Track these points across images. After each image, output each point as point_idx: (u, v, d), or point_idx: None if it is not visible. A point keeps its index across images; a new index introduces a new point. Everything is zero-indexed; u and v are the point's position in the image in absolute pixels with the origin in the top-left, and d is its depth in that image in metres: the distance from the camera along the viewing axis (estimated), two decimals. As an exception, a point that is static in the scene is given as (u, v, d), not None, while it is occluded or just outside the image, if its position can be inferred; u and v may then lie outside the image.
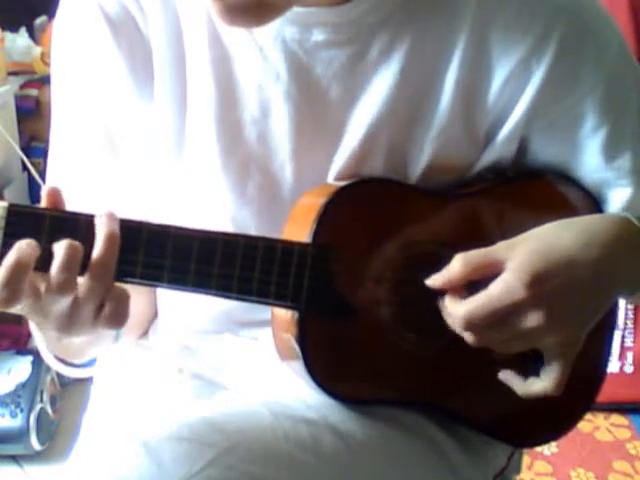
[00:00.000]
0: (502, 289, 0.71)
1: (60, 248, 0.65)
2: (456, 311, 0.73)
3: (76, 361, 0.80)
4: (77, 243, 0.65)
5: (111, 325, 0.68)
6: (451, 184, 0.81)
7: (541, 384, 0.74)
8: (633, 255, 0.77)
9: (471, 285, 0.73)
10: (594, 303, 0.75)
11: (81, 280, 0.66)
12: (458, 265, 0.73)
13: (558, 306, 0.71)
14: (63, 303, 0.65)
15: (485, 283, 0.72)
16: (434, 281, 0.74)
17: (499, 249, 0.73)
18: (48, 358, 0.80)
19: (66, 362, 0.80)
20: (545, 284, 0.71)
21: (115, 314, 0.68)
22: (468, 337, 0.73)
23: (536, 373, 0.75)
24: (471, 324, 0.72)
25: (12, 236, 0.65)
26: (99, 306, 0.67)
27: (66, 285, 0.65)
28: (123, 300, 0.68)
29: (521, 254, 0.72)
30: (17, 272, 0.63)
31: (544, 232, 0.75)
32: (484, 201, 0.81)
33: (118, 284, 0.68)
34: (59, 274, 0.64)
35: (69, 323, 0.67)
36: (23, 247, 0.64)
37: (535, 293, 0.70)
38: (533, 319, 0.71)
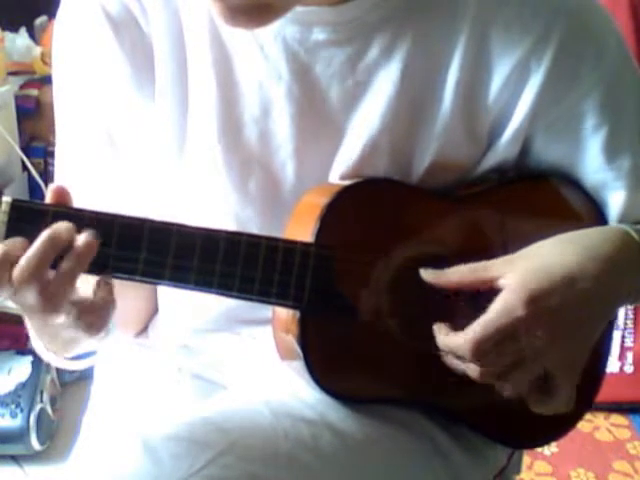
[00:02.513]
0: (502, 308, 0.71)
1: (39, 238, 0.65)
2: (459, 343, 0.71)
3: (65, 355, 0.79)
4: (60, 235, 0.65)
5: (87, 333, 0.68)
6: (454, 185, 0.81)
7: (551, 405, 0.74)
8: (633, 267, 0.77)
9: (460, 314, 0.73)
10: (596, 317, 0.75)
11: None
12: (455, 273, 0.74)
13: (560, 323, 0.71)
14: (34, 290, 0.65)
15: (479, 298, 0.72)
16: (427, 274, 0.75)
17: (496, 264, 0.73)
18: (42, 351, 0.80)
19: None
20: (545, 302, 0.71)
21: (92, 323, 0.68)
22: (470, 369, 0.72)
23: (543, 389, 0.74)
24: (480, 352, 0.70)
25: (15, 231, 0.65)
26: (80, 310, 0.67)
27: (33, 272, 0.64)
28: (105, 308, 0.69)
29: (520, 272, 0.72)
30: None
31: (543, 248, 0.75)
32: (487, 203, 0.81)
33: (109, 288, 0.69)
34: (30, 259, 0.64)
35: (49, 320, 0.67)
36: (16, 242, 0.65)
37: (535, 311, 0.70)
38: (534, 337, 0.70)
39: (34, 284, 0.65)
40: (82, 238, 0.66)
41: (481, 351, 0.70)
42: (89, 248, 0.66)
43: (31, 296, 0.65)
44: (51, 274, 0.66)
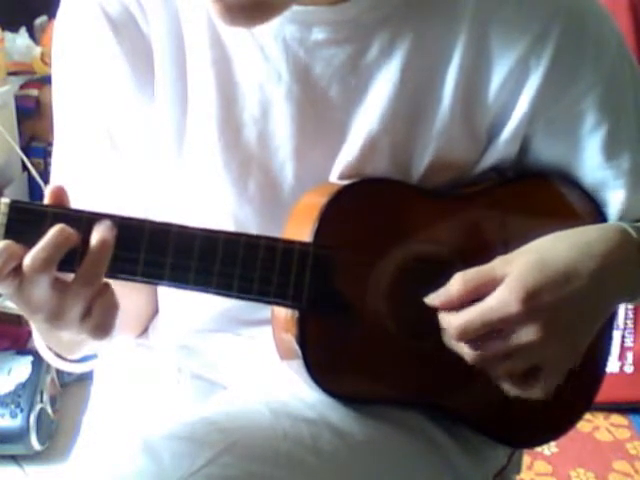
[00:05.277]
0: (496, 303, 0.71)
1: (52, 229, 0.64)
2: (450, 322, 0.73)
3: (69, 356, 0.79)
4: (71, 231, 0.65)
5: (94, 335, 0.67)
6: (454, 183, 0.82)
7: (532, 391, 0.74)
8: (630, 265, 0.77)
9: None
10: (592, 314, 0.75)
11: (71, 279, 0.66)
12: (456, 284, 0.73)
13: (555, 319, 0.71)
14: (41, 286, 0.64)
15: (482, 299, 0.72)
16: (432, 300, 0.74)
17: (496, 266, 0.73)
18: (44, 351, 0.80)
19: (62, 357, 0.80)
20: (540, 298, 0.71)
21: (99, 326, 0.67)
22: (464, 351, 0.73)
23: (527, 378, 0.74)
24: (464, 335, 0.72)
25: (13, 232, 0.65)
26: (86, 311, 0.66)
27: (43, 264, 0.64)
28: (110, 312, 0.68)
29: (517, 269, 0.72)
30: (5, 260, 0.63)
31: (540, 245, 0.75)
32: (486, 202, 0.82)
33: (109, 295, 0.68)
34: (40, 251, 0.64)
35: (55, 318, 0.66)
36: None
37: (530, 307, 0.70)
38: (529, 333, 0.70)
39: (46, 275, 0.64)
40: (96, 236, 0.66)
41: (465, 337, 0.72)
42: (105, 245, 0.66)
43: (43, 286, 0.64)
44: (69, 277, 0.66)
